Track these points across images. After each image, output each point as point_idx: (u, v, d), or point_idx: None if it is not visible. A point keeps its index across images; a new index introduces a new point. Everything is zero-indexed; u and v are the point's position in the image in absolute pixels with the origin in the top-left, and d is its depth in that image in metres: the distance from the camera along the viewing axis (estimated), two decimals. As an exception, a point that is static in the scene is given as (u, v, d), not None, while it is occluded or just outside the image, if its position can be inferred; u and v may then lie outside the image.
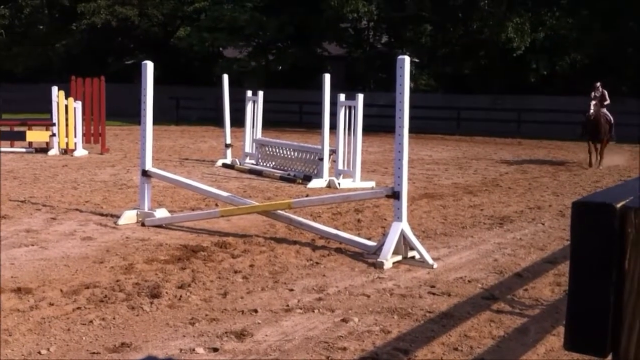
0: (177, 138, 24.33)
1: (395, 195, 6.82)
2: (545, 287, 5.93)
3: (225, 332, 4.63)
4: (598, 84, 16.34)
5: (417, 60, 35.13)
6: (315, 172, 12.66)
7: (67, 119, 17.06)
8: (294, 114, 32.67)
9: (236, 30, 36.54)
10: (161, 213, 8.41)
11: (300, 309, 5.19)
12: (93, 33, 42.18)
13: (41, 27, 46.95)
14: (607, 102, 16.63)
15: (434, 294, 5.68)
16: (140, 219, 8.28)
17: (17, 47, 45.12)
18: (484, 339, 4.66)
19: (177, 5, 41.01)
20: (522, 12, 31.66)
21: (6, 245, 6.94)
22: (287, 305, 5.26)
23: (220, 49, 40.77)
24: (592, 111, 15.89)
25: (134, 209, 8.49)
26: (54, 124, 17.06)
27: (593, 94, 16.10)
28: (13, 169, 13.57)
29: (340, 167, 12.55)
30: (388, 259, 6.54)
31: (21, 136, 17.31)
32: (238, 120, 16.00)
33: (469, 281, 6.10)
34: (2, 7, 45.98)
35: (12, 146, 17.40)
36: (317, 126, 13.55)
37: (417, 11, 34.87)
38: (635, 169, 16.63)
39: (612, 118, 16.78)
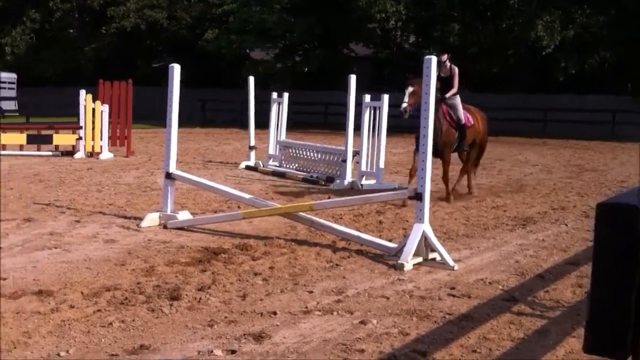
0: (202, 140, 24.47)
1: (418, 196, 6.79)
2: (566, 288, 5.86)
3: (244, 334, 4.64)
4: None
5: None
6: (338, 173, 12.64)
7: (93, 122, 17.23)
8: (319, 115, 32.68)
9: (264, 32, 36.66)
10: (184, 215, 8.46)
11: (319, 310, 5.18)
12: (122, 36, 42.59)
13: (71, 30, 47.52)
14: (454, 90, 10.78)
15: (454, 295, 5.64)
16: (162, 222, 8.34)
17: (47, 50, 45.72)
18: (503, 341, 4.61)
19: (205, 8, 41.26)
20: (552, 10, 31.31)
21: (29, 248, 7.03)
22: (306, 307, 5.25)
23: (248, 51, 40.91)
24: (405, 105, 10.19)
25: (157, 211, 8.55)
26: (80, 127, 17.25)
27: (409, 87, 10.24)
28: (39, 172, 13.75)
29: (363, 168, 12.52)
30: (409, 260, 6.51)
31: (48, 139, 17.54)
32: (263, 122, 16.04)
33: (489, 283, 6.05)
34: (33, 11, 46.61)
35: (38, 149, 17.62)
36: (342, 127, 13.51)
37: (445, 10, 34.68)
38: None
39: (470, 117, 11.10)
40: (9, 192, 10.75)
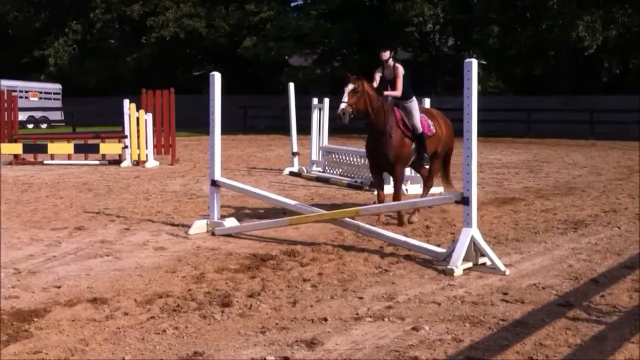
0: (245, 147, 24.62)
1: (465, 200, 6.72)
2: (622, 293, 5.74)
3: (296, 341, 4.63)
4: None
5: (484, 62, 34.65)
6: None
7: (138, 131, 17.46)
8: (360, 120, 32.64)
9: (301, 38, 36.81)
10: (230, 222, 8.51)
11: (370, 317, 5.16)
12: (162, 46, 43.11)
13: (112, 41, 48.26)
14: (397, 93, 9.01)
15: (506, 301, 5.56)
16: (210, 229, 8.40)
17: (89, 61, 46.49)
18: (560, 347, 4.53)
19: (243, 16, 41.60)
20: (593, 10, 30.85)
21: (82, 256, 7.14)
22: (357, 314, 5.23)
23: (286, 57, 41.12)
24: (343, 106, 8.49)
25: (204, 218, 8.62)
26: (126, 136, 17.49)
27: (349, 84, 8.61)
28: (87, 181, 13.97)
29: (407, 173, 12.44)
30: (458, 265, 6.44)
31: (95, 149, 17.82)
32: (304, 128, 16.08)
33: (542, 288, 5.95)
34: (74, 22, 47.48)
35: (85, 158, 17.92)
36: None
37: (484, 12, 34.41)
38: None
39: (431, 124, 9.34)
40: (60, 201, 10.94)
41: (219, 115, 8.61)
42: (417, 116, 9.06)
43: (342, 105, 8.43)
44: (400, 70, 8.96)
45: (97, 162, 17.68)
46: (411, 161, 9.31)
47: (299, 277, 6.31)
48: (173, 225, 8.89)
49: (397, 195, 9.05)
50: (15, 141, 18.34)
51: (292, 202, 8.45)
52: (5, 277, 6.28)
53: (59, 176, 14.79)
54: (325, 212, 8.10)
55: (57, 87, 44.95)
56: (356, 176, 13.52)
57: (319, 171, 14.80)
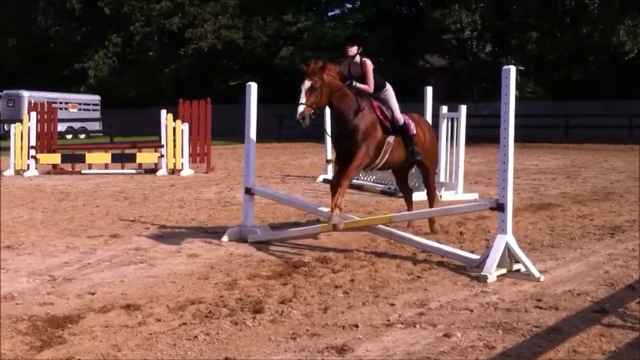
0: (279, 155, 24.70)
1: (500, 207, 6.65)
2: (660, 299, 5.62)
3: (326, 347, 4.62)
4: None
5: (522, 68, 34.32)
6: (417, 185, 12.51)
7: (174, 141, 17.64)
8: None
9: (338, 47, 36.89)
10: (263, 229, 8.54)
11: (402, 323, 5.12)
12: (200, 57, 43.58)
13: (151, 53, 48.92)
14: (369, 89, 7.95)
15: (540, 307, 5.48)
16: (243, 236, 8.43)
17: (128, 73, 47.21)
18: (594, 354, 4.45)
19: (280, 27, 41.88)
20: (634, 14, 30.39)
21: (116, 263, 7.22)
22: (388, 320, 5.20)
23: (322, 66, 41.21)
24: (301, 109, 7.36)
25: (238, 226, 8.66)
26: (162, 146, 17.69)
27: (306, 81, 7.46)
28: (123, 189, 14.14)
29: (442, 179, 12.37)
30: (492, 272, 6.37)
31: (131, 158, 18.08)
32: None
33: (577, 294, 5.85)
34: (114, 35, 48.28)
35: (122, 168, 18.17)
36: (418, 139, 13.35)
37: (522, 18, 34.11)
38: None
39: (412, 124, 8.32)
40: (96, 210, 11.09)
41: (254, 124, 8.67)
42: (396, 105, 8.08)
43: (300, 109, 7.32)
44: (369, 64, 7.92)
45: (134, 171, 17.91)
46: (388, 159, 8.08)
47: (331, 283, 6.30)
48: (207, 232, 8.95)
49: (345, 180, 7.53)
50: (54, 151, 18.68)
51: (325, 210, 8.45)
52: (40, 284, 6.38)
53: (95, 185, 15.00)
54: (358, 219, 8.08)
55: (96, 98, 45.69)
56: (389, 183, 13.46)
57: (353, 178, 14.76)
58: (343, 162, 7.79)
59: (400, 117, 8.05)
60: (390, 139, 7.94)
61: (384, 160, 8.05)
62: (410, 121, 8.31)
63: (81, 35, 50.64)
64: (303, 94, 7.36)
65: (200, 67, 45.18)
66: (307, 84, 7.38)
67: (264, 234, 8.44)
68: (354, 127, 7.61)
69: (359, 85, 7.83)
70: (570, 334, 4.81)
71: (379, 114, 7.88)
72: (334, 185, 7.72)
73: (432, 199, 9.09)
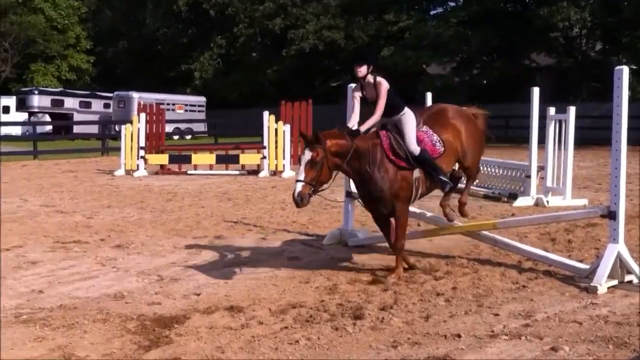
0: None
1: (611, 214, 6.37)
2: None
3: (428, 357, 4.56)
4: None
5: (634, 67, 32.87)
6: (522, 189, 12.19)
7: (276, 142, 17.87)
8: (499, 128, 31.90)
9: (440, 46, 36.47)
10: (364, 233, 8.52)
11: (506, 335, 4.99)
12: (301, 58, 44.08)
13: (254, 54, 49.83)
14: (375, 117, 6.75)
15: (654, 322, 5.22)
16: (344, 239, 8.44)
17: (232, 74, 48.29)
18: None
19: (381, 26, 41.83)
20: None
21: (220, 264, 7.38)
22: (492, 331, 5.07)
23: (424, 65, 40.88)
24: (299, 188, 6.29)
25: (338, 229, 8.67)
26: (264, 147, 17.96)
27: (306, 152, 6.36)
28: (227, 190, 14.45)
29: (549, 184, 11.99)
30: (602, 283, 6.11)
31: (235, 159, 18.44)
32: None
33: (696, 309, 5.54)
34: (219, 37, 49.51)
35: (226, 169, 18.56)
36: (523, 141, 13.04)
37: (634, 15, 32.65)
38: None
39: (437, 140, 6.99)
40: (201, 210, 11.38)
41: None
42: (411, 134, 6.80)
43: (298, 188, 6.23)
44: (384, 87, 6.77)
45: (237, 172, 18.27)
46: (418, 195, 6.96)
47: (432, 290, 6.21)
48: (307, 235, 9.01)
49: (397, 241, 6.86)
50: (162, 152, 19.29)
51: (427, 214, 8.34)
52: (149, 283, 6.60)
53: (201, 186, 15.40)
54: (460, 224, 7.94)
55: (201, 99, 46.95)
56: (494, 187, 13.18)
57: (456, 182, 14.52)
58: (381, 222, 7.14)
59: (416, 148, 6.74)
60: (416, 173, 6.79)
61: (418, 195, 6.94)
62: (433, 137, 6.96)
63: (187, 37, 52.23)
64: (302, 169, 6.32)
65: (301, 68, 45.69)
66: (307, 155, 6.32)
67: (364, 237, 8.41)
68: (377, 189, 6.63)
69: (363, 127, 6.69)
70: (688, 352, 4.56)
71: (391, 156, 6.66)
72: (392, 249, 7.00)
73: (462, 204, 7.87)
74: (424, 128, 6.99)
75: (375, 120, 6.75)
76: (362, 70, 6.80)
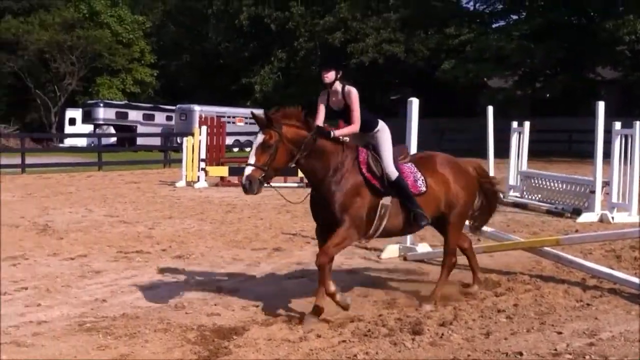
0: (441, 170, 24.34)
1: (680, 232, 6.18)
2: None
3: (489, 375, 4.48)
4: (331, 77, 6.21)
5: None
6: (586, 205, 11.92)
7: (335, 155, 17.84)
8: (562, 143, 31.31)
9: (502, 59, 36.02)
10: (423, 248, 8.46)
11: (570, 354, 4.87)
12: (361, 71, 44.05)
13: (314, 67, 50.04)
14: (354, 127, 6.14)
15: None
16: (402, 253, 8.39)
17: (292, 88, 48.62)
18: None
19: (442, 39, 41.53)
20: None
21: (279, 277, 7.41)
22: (555, 350, 4.96)
23: (485, 79, 40.42)
24: (249, 171, 5.70)
25: (397, 243, 8.62)
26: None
27: (259, 135, 5.92)
28: (286, 203, 14.43)
29: (614, 200, 11.69)
30: (671, 303, 5.92)
31: (293, 172, 18.46)
32: (502, 151, 15.63)
33: None
34: (280, 51, 49.99)
35: (285, 181, 18.63)
36: (588, 156, 12.74)
37: None
38: None
39: (420, 178, 6.29)
40: (260, 222, 11.46)
41: (415, 139, 8.66)
42: (387, 155, 6.13)
43: (247, 171, 5.67)
44: (354, 95, 6.14)
45: (295, 185, 18.32)
46: (385, 226, 6.11)
47: (493, 307, 6.11)
48: (366, 249, 8.97)
49: (324, 254, 5.83)
50: (222, 164, 19.50)
51: (488, 229, 8.22)
52: (209, 294, 6.67)
53: (260, 198, 15.47)
54: (522, 240, 7.79)
55: (261, 113, 47.34)
56: (557, 202, 12.92)
57: (517, 196, 14.30)
58: (323, 236, 6.14)
59: (394, 171, 6.06)
60: (386, 200, 6.02)
61: (381, 227, 6.09)
62: (417, 174, 6.30)
63: (248, 51, 52.84)
64: (253, 152, 5.75)
65: (361, 81, 45.63)
66: (260, 138, 5.78)
67: (423, 252, 8.35)
68: (331, 195, 5.92)
69: (337, 132, 6.09)
70: None
71: (365, 171, 6.02)
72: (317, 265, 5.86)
73: (447, 268, 6.60)
74: (409, 164, 6.36)
75: (351, 131, 6.10)
76: (330, 76, 6.19)
